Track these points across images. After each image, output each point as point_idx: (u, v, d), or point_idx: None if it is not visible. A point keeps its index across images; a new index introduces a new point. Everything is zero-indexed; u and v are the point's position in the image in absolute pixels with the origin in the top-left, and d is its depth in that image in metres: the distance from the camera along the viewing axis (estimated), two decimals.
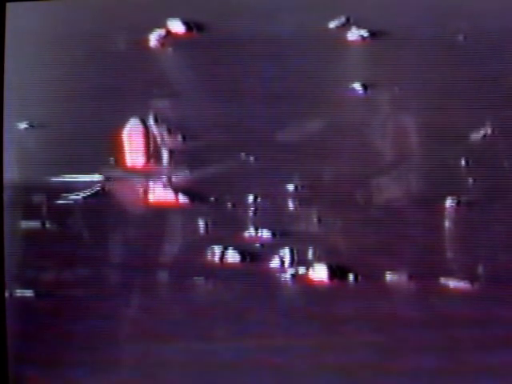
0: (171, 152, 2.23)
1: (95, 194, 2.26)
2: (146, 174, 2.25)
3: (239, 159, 2.19)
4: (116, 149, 2.25)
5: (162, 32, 2.22)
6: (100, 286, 2.27)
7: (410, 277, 2.14)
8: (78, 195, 2.26)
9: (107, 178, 2.26)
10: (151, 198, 2.24)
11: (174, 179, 2.23)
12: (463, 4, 2.11)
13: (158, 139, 2.24)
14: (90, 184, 2.26)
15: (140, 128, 2.24)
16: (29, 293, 2.29)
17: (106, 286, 2.27)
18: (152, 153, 2.24)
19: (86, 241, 2.27)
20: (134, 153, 2.25)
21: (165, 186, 2.24)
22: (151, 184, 2.24)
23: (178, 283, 2.24)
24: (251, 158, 2.19)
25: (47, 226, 2.28)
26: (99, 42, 2.25)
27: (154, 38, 2.22)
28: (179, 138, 2.23)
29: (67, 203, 2.27)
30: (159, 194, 2.24)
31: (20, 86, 2.28)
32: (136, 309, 2.27)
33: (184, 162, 2.23)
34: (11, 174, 2.28)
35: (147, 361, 2.27)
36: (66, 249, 2.28)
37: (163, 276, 2.25)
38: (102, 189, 2.26)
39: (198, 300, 2.24)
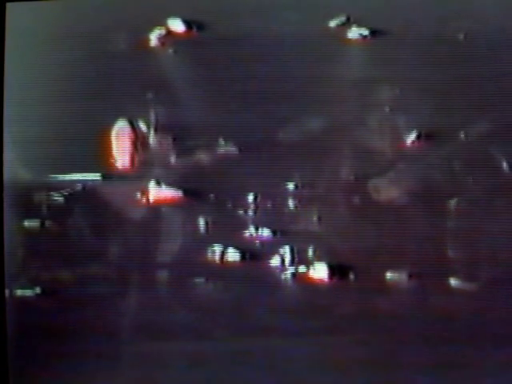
0: (170, 151, 2.24)
1: (92, 194, 2.26)
2: (146, 175, 2.25)
3: (238, 158, 2.20)
4: (114, 149, 2.25)
5: (162, 31, 2.22)
6: (99, 286, 2.27)
7: (410, 276, 2.14)
8: (74, 194, 2.26)
9: (105, 178, 2.26)
10: (150, 197, 2.25)
11: (173, 179, 2.24)
12: (463, 3, 2.11)
13: (157, 139, 2.24)
14: (88, 183, 2.26)
15: (138, 128, 2.25)
16: (29, 292, 2.29)
17: (105, 286, 2.27)
18: (150, 153, 2.25)
19: (83, 240, 2.27)
20: (133, 153, 2.25)
21: (165, 186, 2.24)
22: (150, 184, 2.25)
23: (178, 283, 2.24)
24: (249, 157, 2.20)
25: (40, 224, 2.28)
26: (99, 41, 2.25)
27: (154, 37, 2.23)
28: (178, 137, 2.23)
29: (63, 202, 2.27)
30: (158, 193, 2.24)
31: (20, 85, 2.27)
32: (136, 308, 2.26)
33: (183, 162, 2.23)
34: (10, 174, 2.28)
35: (148, 360, 2.27)
36: (63, 248, 2.28)
37: (163, 275, 2.25)
38: (101, 188, 2.26)
39: (198, 299, 2.24)
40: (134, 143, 2.25)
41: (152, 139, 2.24)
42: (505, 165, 2.10)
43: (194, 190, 2.22)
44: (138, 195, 2.25)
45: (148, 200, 2.24)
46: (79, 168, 2.26)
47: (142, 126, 2.24)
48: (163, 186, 2.24)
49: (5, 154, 2.28)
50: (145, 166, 2.25)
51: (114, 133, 2.25)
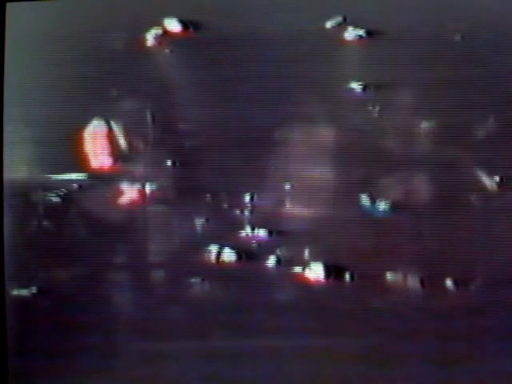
0: (167, 151, 2.24)
1: (90, 194, 2.26)
2: (144, 175, 2.25)
3: (235, 158, 2.20)
4: (112, 148, 2.26)
5: (158, 31, 2.23)
6: (97, 286, 2.27)
7: (407, 276, 2.14)
8: (73, 194, 2.27)
9: (104, 178, 2.26)
10: (147, 197, 2.25)
11: (171, 179, 2.24)
12: (460, 4, 2.11)
13: (154, 139, 2.24)
14: (87, 183, 2.26)
15: (136, 128, 2.25)
16: (25, 292, 2.29)
17: (103, 286, 2.27)
18: (148, 153, 2.25)
19: (80, 240, 2.27)
20: (130, 153, 2.26)
21: (162, 185, 2.24)
22: (147, 184, 2.25)
23: (175, 283, 2.24)
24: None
25: (38, 223, 2.29)
26: (97, 41, 2.25)
27: (150, 37, 2.23)
28: (175, 137, 2.23)
29: (62, 202, 2.27)
30: (156, 193, 2.25)
31: (20, 86, 2.28)
32: (133, 308, 2.27)
33: (180, 162, 2.23)
34: (10, 174, 2.28)
35: (146, 359, 2.27)
36: (61, 248, 2.29)
37: (159, 275, 2.25)
38: (99, 188, 2.26)
39: (194, 299, 2.24)
40: (130, 143, 2.25)
41: (149, 139, 2.24)
42: (506, 165, 2.09)
43: (191, 190, 2.23)
44: (136, 195, 2.25)
45: (144, 200, 2.25)
46: (79, 168, 2.27)
47: (140, 126, 2.24)
48: (162, 186, 2.24)
49: (5, 154, 2.28)
50: (142, 166, 2.25)
51: (111, 132, 2.25)
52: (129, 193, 2.26)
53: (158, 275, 2.25)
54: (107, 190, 2.27)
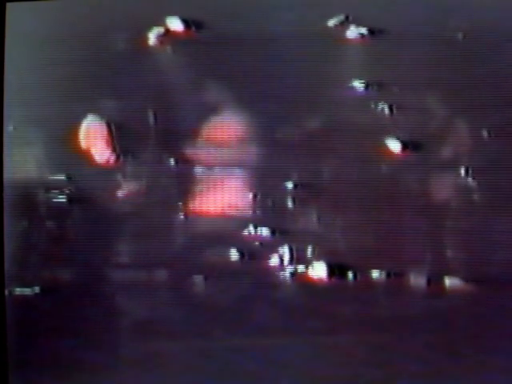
0: (168, 151, 2.24)
1: (92, 193, 2.27)
2: (145, 174, 2.26)
3: (237, 158, 2.20)
4: (113, 147, 2.26)
5: (160, 30, 2.23)
6: (98, 286, 2.27)
7: (410, 275, 2.14)
8: (73, 194, 2.27)
9: (104, 177, 2.26)
10: (149, 196, 2.25)
11: (173, 179, 2.24)
12: (462, 2, 2.11)
13: (156, 138, 2.24)
14: (87, 183, 2.26)
15: (137, 127, 2.25)
16: (28, 291, 2.29)
17: (104, 286, 2.27)
18: (149, 152, 2.25)
19: (82, 240, 2.27)
20: (134, 150, 2.26)
21: (164, 184, 2.25)
22: (151, 182, 2.25)
23: (177, 281, 2.24)
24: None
25: (39, 223, 2.29)
26: (99, 41, 2.25)
27: (153, 37, 2.23)
28: (176, 135, 2.23)
29: (62, 202, 2.27)
30: (159, 192, 2.25)
31: (20, 86, 2.28)
32: (136, 307, 2.27)
33: (182, 161, 2.23)
34: (10, 174, 2.28)
35: (147, 359, 2.27)
36: (62, 248, 2.29)
37: (162, 274, 2.25)
38: (100, 187, 2.27)
39: (196, 298, 2.24)
40: (133, 142, 2.25)
41: (151, 138, 2.24)
42: (506, 166, 2.10)
43: (194, 190, 2.23)
44: (138, 195, 2.25)
45: (146, 199, 2.25)
46: (79, 168, 2.27)
47: (142, 125, 2.25)
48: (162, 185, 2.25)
49: (5, 154, 2.28)
50: (144, 165, 2.25)
51: (111, 131, 2.25)
52: (130, 193, 2.26)
53: (161, 274, 2.25)
54: (108, 190, 2.27)
